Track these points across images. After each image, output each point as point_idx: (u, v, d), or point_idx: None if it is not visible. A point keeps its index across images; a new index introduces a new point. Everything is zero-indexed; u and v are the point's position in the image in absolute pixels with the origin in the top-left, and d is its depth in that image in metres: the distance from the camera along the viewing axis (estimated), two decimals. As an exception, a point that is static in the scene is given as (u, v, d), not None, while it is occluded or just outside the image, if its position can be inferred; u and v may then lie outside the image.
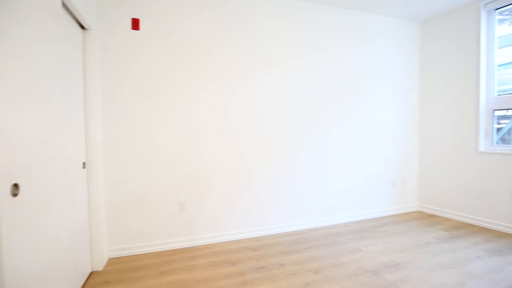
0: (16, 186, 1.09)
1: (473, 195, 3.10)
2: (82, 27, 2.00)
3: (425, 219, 3.29)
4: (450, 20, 3.30)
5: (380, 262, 2.18)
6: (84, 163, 1.98)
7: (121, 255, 2.35)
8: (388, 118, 3.43)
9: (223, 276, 2.00)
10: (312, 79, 3.00)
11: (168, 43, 2.44)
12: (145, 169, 2.40)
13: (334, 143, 3.13)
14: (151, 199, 2.43)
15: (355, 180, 3.26)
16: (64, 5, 1.68)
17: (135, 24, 2.36)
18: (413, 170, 3.63)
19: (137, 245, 2.40)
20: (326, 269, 2.09)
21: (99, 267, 2.10)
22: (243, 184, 2.73)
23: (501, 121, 3.31)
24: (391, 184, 3.47)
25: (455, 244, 2.52)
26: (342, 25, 3.12)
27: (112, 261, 2.26)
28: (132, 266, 2.18)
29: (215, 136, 2.61)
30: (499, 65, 3.04)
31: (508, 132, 3.45)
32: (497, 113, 3.04)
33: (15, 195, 1.08)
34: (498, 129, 3.16)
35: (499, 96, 2.99)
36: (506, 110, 3.00)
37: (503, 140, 3.28)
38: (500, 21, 3.07)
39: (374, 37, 3.31)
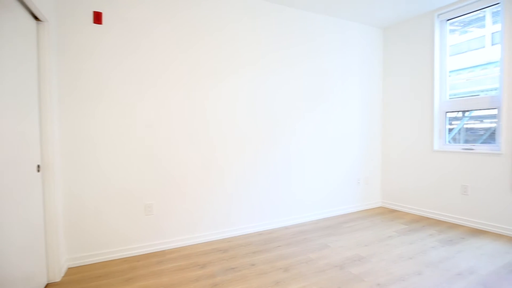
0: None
1: (429, 191, 3.36)
2: (36, 18, 1.84)
3: (387, 214, 3.50)
4: (408, 28, 3.54)
5: (346, 257, 2.28)
6: (38, 166, 1.83)
7: (82, 264, 2.20)
8: (353, 118, 3.59)
9: (192, 279, 1.96)
10: (282, 80, 3.05)
11: (135, 40, 2.33)
12: (108, 172, 2.28)
13: (302, 143, 3.21)
14: (115, 202, 2.31)
15: (323, 178, 3.37)
16: (13, -6, 1.53)
17: (97, 17, 2.23)
18: (376, 168, 3.84)
19: (100, 252, 2.27)
20: (296, 266, 2.13)
21: (57, 278, 1.95)
22: (214, 184, 2.69)
23: (453, 122, 3.62)
24: (356, 182, 3.64)
25: (413, 237, 2.71)
26: (310, 28, 3.21)
27: (72, 271, 2.11)
28: (94, 274, 2.05)
29: (186, 137, 2.55)
30: (451, 71, 3.32)
31: (459, 132, 3.79)
32: (449, 115, 3.32)
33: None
34: (450, 130, 3.45)
35: (451, 99, 3.27)
36: (456, 112, 3.28)
37: (454, 140, 3.59)
38: (451, 31, 3.36)
39: (341, 40, 3.44)
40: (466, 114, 3.39)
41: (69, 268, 2.15)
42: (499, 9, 2.82)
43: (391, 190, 3.78)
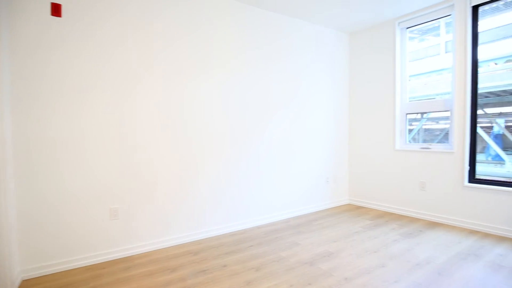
0: None
1: (392, 187, 3.57)
2: (-17, 7, 1.67)
3: (354, 210, 3.66)
4: (372, 34, 3.74)
5: (316, 253, 2.35)
6: (-14, 170, 1.66)
7: (40, 275, 2.04)
8: (322, 119, 3.72)
9: (161, 284, 1.90)
10: (253, 81, 3.06)
11: (100, 36, 2.21)
12: (69, 174, 2.13)
13: (273, 143, 3.26)
14: (77, 207, 2.17)
15: (294, 178, 3.44)
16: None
17: (56, 9, 2.08)
18: (344, 167, 4.00)
19: (61, 261, 2.12)
20: (267, 265, 2.16)
21: (10, 291, 1.79)
22: (186, 186, 2.64)
23: (413, 123, 3.89)
24: (325, 181, 3.77)
25: (377, 231, 2.86)
26: (282, 30, 3.26)
27: (27, 283, 1.95)
28: (53, 285, 1.91)
29: (157, 137, 2.46)
30: (410, 76, 3.56)
31: (418, 133, 4.08)
32: (409, 116, 3.56)
33: None
34: (410, 130, 3.70)
35: (411, 102, 3.50)
36: (415, 114, 3.53)
37: (414, 139, 3.86)
38: (411, 38, 3.60)
39: (310, 43, 3.54)
40: (424, 115, 3.66)
41: (23, 281, 1.98)
42: (451, 20, 3.08)
43: (357, 188, 3.96)
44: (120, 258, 2.31)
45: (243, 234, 2.83)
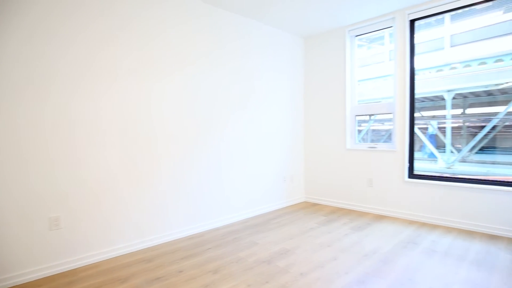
0: None
1: (343, 184, 3.80)
2: None
3: (309, 208, 3.82)
4: (325, 39, 3.94)
5: (273, 252, 2.39)
6: None
7: (-42, 298, 1.76)
8: (279, 120, 3.81)
9: (111, 296, 1.77)
10: (214, 81, 3.02)
11: (54, 28, 1.97)
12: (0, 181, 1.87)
13: (232, 144, 3.25)
14: (9, 219, 1.91)
15: (252, 177, 3.47)
16: None
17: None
18: (300, 166, 4.16)
19: (-13, 280, 1.85)
20: (226, 267, 2.14)
21: None
22: (139, 189, 2.49)
23: (362, 124, 4.21)
24: (282, 180, 3.87)
25: (331, 226, 3.02)
26: (242, 32, 3.27)
27: None
28: (-23, 309, 1.66)
29: (109, 138, 2.28)
30: (359, 80, 3.84)
31: (366, 133, 4.42)
32: (358, 118, 3.83)
33: None
34: (360, 131, 3.99)
35: (359, 104, 3.77)
36: (364, 116, 3.81)
37: (363, 139, 4.17)
38: (360, 45, 3.88)
39: (268, 45, 3.61)
40: (372, 117, 3.97)
41: None
42: (393, 31, 3.38)
43: (312, 186, 4.14)
44: (61, 273, 2.10)
45: (201, 237, 2.77)
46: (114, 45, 2.34)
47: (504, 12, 4.21)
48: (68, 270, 2.13)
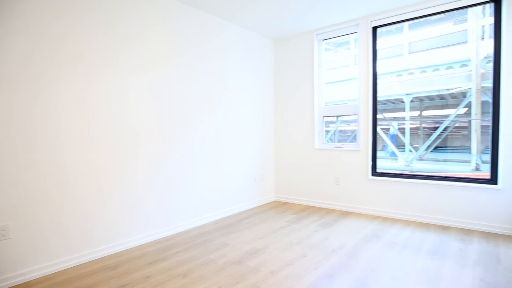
0: None
1: (312, 183, 3.92)
2: None
3: (280, 207, 3.88)
4: (294, 42, 4.04)
5: (244, 252, 2.40)
6: None
7: None
8: (250, 120, 3.83)
9: (71, 307, 1.65)
10: (183, 80, 2.95)
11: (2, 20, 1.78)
12: None
13: (202, 143, 3.20)
14: None
15: (223, 178, 3.45)
16: None
17: None
18: (270, 166, 4.21)
19: None
20: (196, 269, 2.10)
21: None
22: (103, 192, 2.35)
23: (330, 125, 4.37)
24: (253, 180, 3.89)
25: (300, 224, 3.10)
26: (215, 32, 3.23)
27: None
28: None
29: (69, 138, 2.12)
30: (327, 83, 3.99)
31: (334, 133, 4.60)
32: (326, 119, 3.97)
33: None
34: (328, 131, 4.15)
35: (327, 106, 3.91)
36: (332, 117, 3.96)
37: (331, 139, 4.33)
38: (327, 49, 4.03)
39: (240, 46, 3.61)
40: (339, 118, 4.14)
41: None
42: (358, 37, 3.56)
43: (283, 185, 4.22)
44: (11, 287, 1.92)
45: (170, 241, 2.69)
46: (76, 39, 2.19)
47: (454, 24, 4.64)
48: (18, 285, 1.95)
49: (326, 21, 3.56)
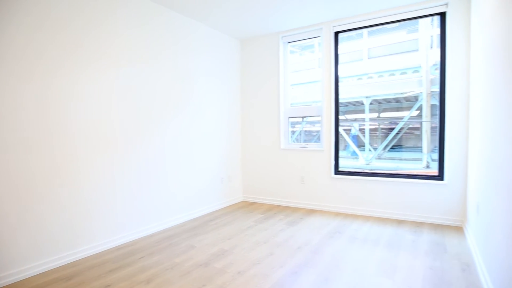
0: None
1: (279, 182, 3.99)
2: None
3: (247, 207, 3.90)
4: (260, 43, 4.08)
5: (211, 254, 2.37)
6: None
7: None
8: (216, 120, 3.80)
9: (17, 325, 1.50)
10: (148, 79, 2.83)
11: None
12: None
13: (167, 145, 3.10)
14: None
15: (189, 180, 3.37)
16: None
17: None
18: (237, 166, 4.21)
19: None
20: (160, 275, 2.03)
21: None
22: (59, 198, 2.16)
23: (296, 126, 4.49)
24: (220, 180, 3.86)
25: (267, 223, 3.14)
26: (177, 30, 3.14)
27: None
28: None
29: (30, 136, 1.91)
30: (292, 84, 4.09)
31: (300, 134, 4.73)
32: (292, 119, 4.07)
33: None
34: (294, 132, 4.25)
35: (292, 107, 4.01)
36: (297, 118, 4.07)
37: (297, 140, 4.45)
38: (292, 52, 4.14)
39: (206, 45, 3.56)
40: (304, 119, 4.27)
41: None
42: (321, 41, 3.70)
43: (250, 185, 4.24)
44: None
45: (132, 246, 2.57)
46: (37, 36, 1.99)
47: (407, 33, 5.04)
48: (-45, 302, 1.73)
49: (291, 24, 3.65)
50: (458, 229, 2.84)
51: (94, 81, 2.43)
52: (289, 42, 3.97)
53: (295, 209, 3.73)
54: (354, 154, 6.04)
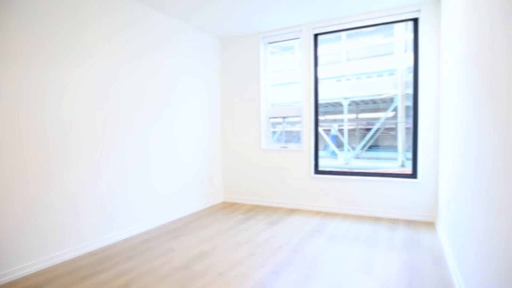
0: None
1: (259, 183, 4.00)
2: None
3: (228, 207, 3.88)
4: (241, 43, 4.07)
5: (191, 256, 2.33)
6: None
7: None
8: (196, 121, 3.74)
9: None
10: (127, 79, 2.73)
11: None
12: None
13: (146, 146, 3.02)
14: None
15: (168, 181, 3.30)
16: None
17: None
18: (218, 167, 4.17)
19: None
20: (138, 279, 1.96)
21: None
22: (26, 200, 2.03)
23: (278, 126, 4.52)
24: (200, 181, 3.81)
25: (248, 224, 3.13)
26: (155, 28, 3.06)
27: None
28: None
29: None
30: (273, 85, 4.11)
31: (281, 134, 4.77)
32: (273, 120, 4.09)
33: None
34: (275, 132, 4.28)
35: (273, 107, 4.03)
36: (278, 118, 4.09)
37: (278, 140, 4.48)
38: (273, 52, 4.16)
39: (186, 44, 3.49)
40: (285, 119, 4.31)
41: None
42: (301, 42, 3.75)
43: (231, 186, 4.21)
44: None
45: (108, 251, 2.47)
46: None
47: (384, 37, 5.22)
48: None
49: (271, 25, 3.67)
50: (431, 225, 2.98)
51: (82, 81, 2.31)
52: (269, 43, 3.99)
53: (276, 209, 3.75)
54: (333, 154, 6.18)
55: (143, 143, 2.98)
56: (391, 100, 5.37)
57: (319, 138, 3.74)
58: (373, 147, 6.22)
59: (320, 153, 3.77)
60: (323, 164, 3.90)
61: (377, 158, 6.06)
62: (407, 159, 4.53)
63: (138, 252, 2.42)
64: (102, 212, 2.58)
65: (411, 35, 3.27)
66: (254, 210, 3.73)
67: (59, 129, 2.26)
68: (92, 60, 2.49)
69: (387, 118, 5.68)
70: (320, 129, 3.80)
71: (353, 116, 6.44)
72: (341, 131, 6.20)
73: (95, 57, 2.51)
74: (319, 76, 3.69)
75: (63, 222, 2.29)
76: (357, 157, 6.21)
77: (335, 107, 6.13)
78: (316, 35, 3.63)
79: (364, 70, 5.46)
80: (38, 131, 2.13)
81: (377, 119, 6.09)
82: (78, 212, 2.39)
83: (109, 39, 2.63)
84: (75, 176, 2.37)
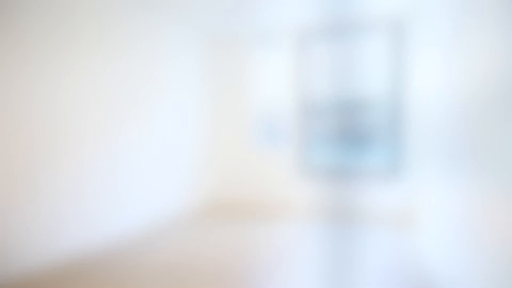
0: None
1: (247, 184, 3.97)
2: None
3: (214, 210, 3.82)
4: (227, 44, 4.01)
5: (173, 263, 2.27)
6: None
7: None
8: (181, 122, 3.67)
9: None
10: (106, 80, 2.62)
11: None
12: None
13: (125, 147, 2.92)
14: None
15: (147, 186, 3.22)
16: None
17: None
18: (203, 169, 4.12)
19: None
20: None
21: None
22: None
23: (264, 127, 4.49)
24: (184, 184, 3.73)
25: (234, 227, 3.10)
26: (135, 22, 2.96)
27: None
28: None
29: None
30: (259, 86, 4.08)
31: (266, 135, 4.74)
32: (259, 121, 4.07)
33: None
34: (261, 133, 4.25)
35: (259, 109, 4.01)
36: (264, 120, 4.07)
37: (264, 141, 4.45)
38: (259, 53, 4.12)
39: (168, 41, 3.40)
40: (271, 121, 4.29)
41: None
42: (289, 43, 3.72)
43: (217, 187, 4.15)
44: None
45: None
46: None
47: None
48: None
49: (257, 26, 3.63)
50: (413, 227, 3.04)
51: (75, 81, 2.19)
52: (256, 44, 3.96)
53: (262, 210, 3.74)
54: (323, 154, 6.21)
55: (119, 146, 2.89)
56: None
57: (307, 139, 3.74)
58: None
59: (307, 153, 3.78)
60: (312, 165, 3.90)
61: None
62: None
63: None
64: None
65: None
66: (240, 212, 3.70)
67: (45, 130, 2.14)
68: (76, 60, 2.38)
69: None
70: (308, 130, 3.81)
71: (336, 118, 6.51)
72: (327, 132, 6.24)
73: (78, 57, 2.40)
74: (307, 78, 3.69)
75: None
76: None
77: (322, 109, 6.17)
78: (305, 38, 3.63)
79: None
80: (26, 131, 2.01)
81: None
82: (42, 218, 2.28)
83: (100, 40, 2.52)
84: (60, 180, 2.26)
